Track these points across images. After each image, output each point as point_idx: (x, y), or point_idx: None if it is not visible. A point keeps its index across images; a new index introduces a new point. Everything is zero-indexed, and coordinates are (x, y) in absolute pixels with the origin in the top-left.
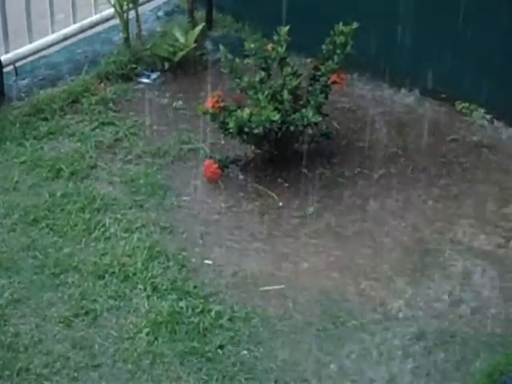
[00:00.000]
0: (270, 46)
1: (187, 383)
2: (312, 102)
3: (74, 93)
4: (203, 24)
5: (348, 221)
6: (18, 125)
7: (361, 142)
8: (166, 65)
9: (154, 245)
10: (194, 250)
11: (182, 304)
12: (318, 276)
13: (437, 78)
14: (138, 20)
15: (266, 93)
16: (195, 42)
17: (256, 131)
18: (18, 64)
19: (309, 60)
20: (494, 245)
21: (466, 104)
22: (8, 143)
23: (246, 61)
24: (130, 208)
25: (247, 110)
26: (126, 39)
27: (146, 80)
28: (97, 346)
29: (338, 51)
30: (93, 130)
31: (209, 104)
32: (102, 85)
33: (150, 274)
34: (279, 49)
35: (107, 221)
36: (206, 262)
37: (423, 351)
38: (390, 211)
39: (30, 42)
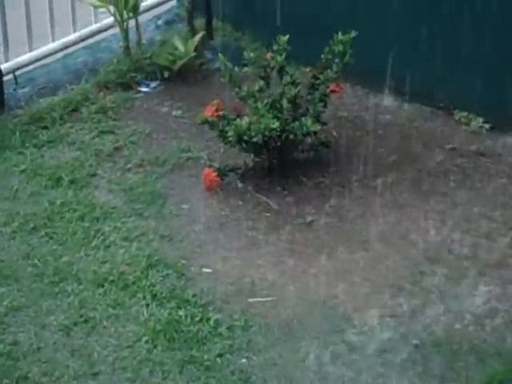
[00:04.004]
0: (269, 55)
1: None
2: (311, 111)
3: (74, 101)
4: (203, 33)
5: (347, 229)
6: (17, 133)
7: (359, 151)
8: (166, 73)
9: (153, 253)
10: (193, 258)
11: (180, 312)
12: (317, 284)
13: (435, 87)
14: (137, 29)
15: (265, 101)
16: (195, 50)
17: (255, 140)
18: (17, 72)
19: (308, 69)
20: (496, 253)
21: (465, 113)
22: (8, 152)
23: (246, 70)
24: (130, 216)
25: (246, 119)
26: (126, 48)
27: (145, 89)
28: (96, 354)
29: (336, 60)
30: (92, 138)
31: (208, 113)
32: (102, 93)
33: (149, 283)
34: (278, 58)
35: (106, 229)
36: (205, 270)
37: (421, 360)
38: (388, 220)
39: (30, 51)
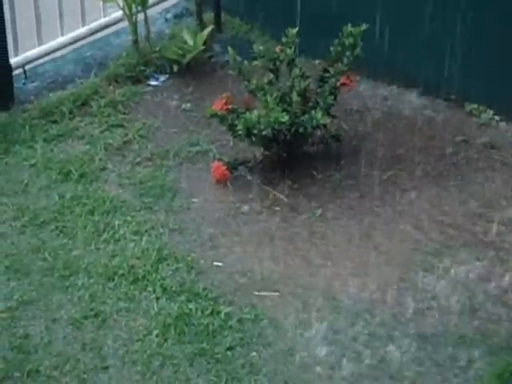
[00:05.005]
0: (278, 48)
1: None
2: (321, 104)
3: (84, 95)
4: (212, 26)
5: (357, 223)
6: (27, 127)
7: (369, 144)
8: (175, 67)
9: (163, 247)
10: (203, 251)
11: (191, 306)
12: (327, 278)
13: (446, 79)
14: (146, 22)
15: (275, 95)
16: (204, 44)
17: (264, 133)
18: (27, 67)
19: (317, 62)
20: (507, 245)
21: (475, 105)
22: (18, 146)
23: (255, 63)
24: (139, 210)
25: (256, 112)
26: (135, 42)
27: (154, 82)
28: (106, 348)
29: (347, 53)
30: (102, 132)
31: (217, 106)
32: (111, 87)
33: (159, 276)
34: (288, 50)
35: (116, 223)
36: (215, 263)
37: (432, 352)
38: (398, 213)
39: (39, 45)
